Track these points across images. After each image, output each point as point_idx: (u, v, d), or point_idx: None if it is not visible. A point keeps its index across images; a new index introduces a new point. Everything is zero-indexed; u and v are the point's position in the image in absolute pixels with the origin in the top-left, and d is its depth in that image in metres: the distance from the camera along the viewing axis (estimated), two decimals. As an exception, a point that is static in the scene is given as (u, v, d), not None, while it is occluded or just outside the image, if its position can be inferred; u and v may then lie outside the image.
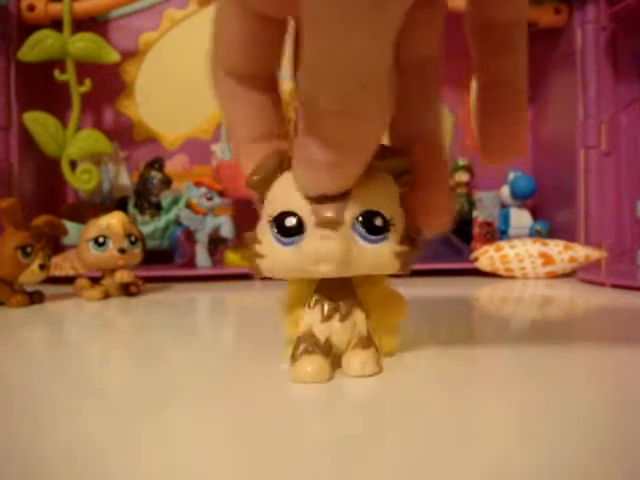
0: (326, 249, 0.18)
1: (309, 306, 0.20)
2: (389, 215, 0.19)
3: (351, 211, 0.18)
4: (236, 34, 0.18)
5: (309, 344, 0.20)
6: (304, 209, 0.19)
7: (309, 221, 0.18)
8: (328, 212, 0.18)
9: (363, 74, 0.14)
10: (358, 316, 0.20)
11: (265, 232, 0.19)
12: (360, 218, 0.18)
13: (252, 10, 0.18)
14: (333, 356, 0.20)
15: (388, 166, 0.19)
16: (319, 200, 0.18)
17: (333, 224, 0.18)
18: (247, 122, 0.20)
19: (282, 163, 0.19)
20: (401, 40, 0.15)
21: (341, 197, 0.18)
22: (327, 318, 0.20)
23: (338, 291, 0.20)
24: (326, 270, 0.18)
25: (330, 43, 0.14)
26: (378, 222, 0.19)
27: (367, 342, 0.20)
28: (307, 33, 0.14)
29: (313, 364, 0.19)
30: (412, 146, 0.19)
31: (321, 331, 0.20)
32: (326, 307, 0.20)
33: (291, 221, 0.19)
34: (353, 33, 0.13)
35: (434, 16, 0.18)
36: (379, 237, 0.19)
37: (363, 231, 0.18)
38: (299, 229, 0.19)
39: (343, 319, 0.20)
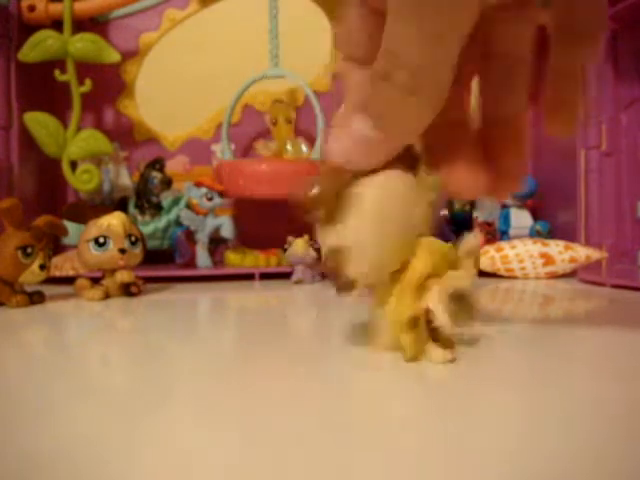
0: None
1: None
2: None
3: None
4: (356, 28, 0.21)
5: None
6: None
7: None
8: None
9: (434, 63, 0.17)
10: None
11: None
12: None
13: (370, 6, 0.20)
14: None
15: (427, 182, 0.21)
16: None
17: None
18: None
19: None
20: (494, 35, 0.19)
21: None
22: None
23: None
24: None
25: (413, 30, 0.16)
26: None
27: None
28: (392, 19, 0.17)
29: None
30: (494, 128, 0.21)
31: None
32: None
33: None
34: (433, 23, 0.16)
35: (524, 18, 0.20)
36: None
37: None
38: None
39: None
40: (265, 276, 0.57)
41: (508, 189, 0.23)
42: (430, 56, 0.17)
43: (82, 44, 0.59)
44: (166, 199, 0.62)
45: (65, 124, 0.61)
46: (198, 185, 0.59)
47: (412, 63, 0.17)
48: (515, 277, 0.55)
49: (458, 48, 0.17)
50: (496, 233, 0.66)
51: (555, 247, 0.54)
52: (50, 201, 0.67)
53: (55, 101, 0.67)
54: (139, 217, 0.60)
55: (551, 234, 0.64)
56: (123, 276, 0.43)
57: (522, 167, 0.23)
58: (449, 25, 0.16)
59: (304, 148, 0.61)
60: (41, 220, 0.41)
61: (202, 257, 0.59)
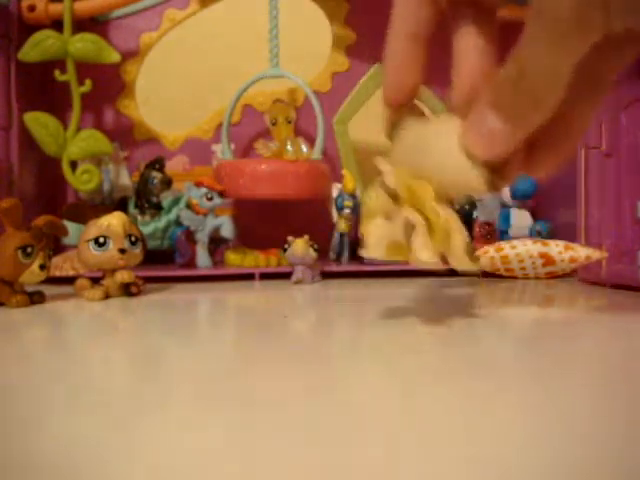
0: None
1: None
2: None
3: None
4: None
5: None
6: None
7: None
8: None
9: (558, 71, 0.20)
10: None
11: None
12: None
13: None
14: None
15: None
16: None
17: None
18: (404, 19, 0.24)
19: None
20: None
21: None
22: None
23: None
24: None
25: (545, 45, 0.19)
26: None
27: None
28: (527, 40, 0.20)
29: None
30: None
31: None
32: None
33: None
34: (562, 41, 0.19)
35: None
36: None
37: None
38: None
39: None
40: (265, 276, 0.57)
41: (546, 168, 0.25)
42: (554, 67, 0.19)
43: (82, 44, 0.59)
44: (166, 199, 0.61)
45: (65, 124, 0.61)
46: (198, 185, 0.59)
47: (537, 72, 0.20)
48: (515, 277, 0.55)
49: (576, 63, 0.19)
50: (495, 233, 0.66)
51: (555, 247, 0.54)
52: (50, 201, 0.67)
53: (55, 101, 0.67)
54: (139, 217, 0.60)
55: (551, 234, 0.64)
56: (123, 276, 0.43)
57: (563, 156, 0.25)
58: (575, 46, 0.19)
59: (304, 148, 0.61)
60: (41, 220, 0.41)
61: (202, 257, 0.59)
